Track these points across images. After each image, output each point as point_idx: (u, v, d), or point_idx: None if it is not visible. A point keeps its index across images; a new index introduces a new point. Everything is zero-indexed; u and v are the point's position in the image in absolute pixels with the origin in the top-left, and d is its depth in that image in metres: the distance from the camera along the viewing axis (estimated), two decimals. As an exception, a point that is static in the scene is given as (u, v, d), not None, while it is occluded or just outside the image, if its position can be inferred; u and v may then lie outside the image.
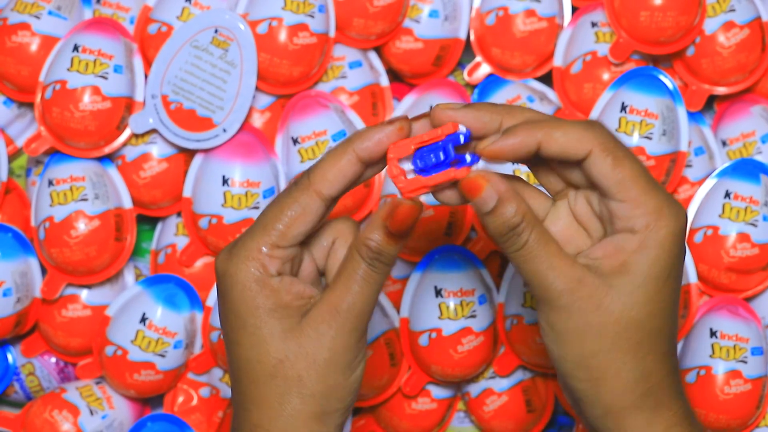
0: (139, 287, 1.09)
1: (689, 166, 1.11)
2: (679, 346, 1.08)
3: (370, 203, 1.11)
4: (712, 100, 1.16)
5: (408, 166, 0.76)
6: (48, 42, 1.10)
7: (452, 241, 1.09)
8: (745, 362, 1.05)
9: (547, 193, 0.80)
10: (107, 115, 1.08)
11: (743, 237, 1.06)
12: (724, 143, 1.14)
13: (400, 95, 1.17)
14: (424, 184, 0.76)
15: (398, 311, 1.09)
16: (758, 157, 1.12)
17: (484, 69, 1.15)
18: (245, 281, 0.76)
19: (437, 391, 1.12)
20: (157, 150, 1.10)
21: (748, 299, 1.10)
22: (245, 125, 1.09)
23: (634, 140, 1.06)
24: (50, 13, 1.10)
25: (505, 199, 0.74)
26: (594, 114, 1.09)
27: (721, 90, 1.12)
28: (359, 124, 1.11)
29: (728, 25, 1.10)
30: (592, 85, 1.11)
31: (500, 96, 1.14)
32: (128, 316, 1.08)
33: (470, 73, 1.15)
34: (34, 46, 1.10)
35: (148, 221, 1.17)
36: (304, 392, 0.76)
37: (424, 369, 1.09)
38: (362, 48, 1.14)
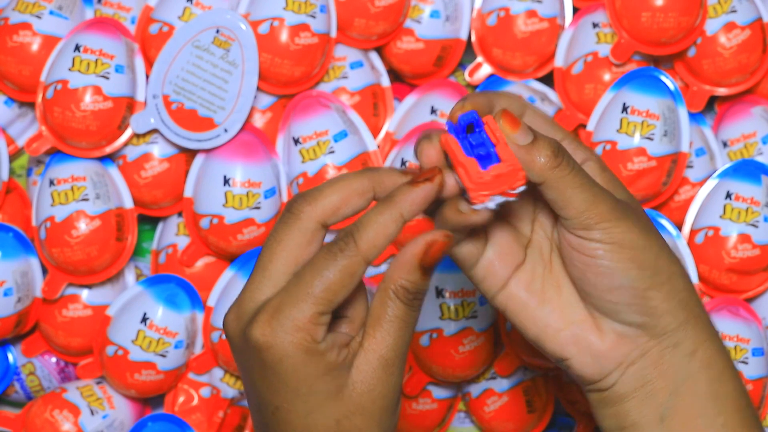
0: (139, 287, 1.09)
1: (690, 166, 1.11)
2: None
3: (371, 203, 1.11)
4: (713, 100, 1.16)
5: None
6: (49, 42, 1.09)
7: (453, 241, 1.09)
8: (746, 363, 1.05)
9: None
10: (108, 115, 1.08)
11: (744, 238, 1.07)
12: (725, 144, 1.14)
13: (401, 95, 1.17)
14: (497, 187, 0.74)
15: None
16: (759, 158, 1.12)
17: (485, 69, 1.15)
18: (295, 354, 0.72)
19: (438, 392, 1.12)
20: (158, 150, 1.10)
21: (749, 300, 1.10)
22: (246, 125, 1.09)
23: (635, 141, 1.06)
24: (51, 12, 1.10)
25: (539, 136, 0.75)
26: (595, 115, 1.09)
27: (722, 91, 1.12)
28: (360, 124, 1.10)
29: (729, 26, 1.10)
30: (593, 86, 1.11)
31: (501, 96, 1.14)
32: (129, 316, 1.08)
33: (471, 74, 1.15)
34: (35, 46, 1.10)
35: (149, 221, 1.17)
36: None
37: (425, 369, 1.09)
38: (363, 48, 1.14)
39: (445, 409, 1.12)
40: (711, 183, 1.09)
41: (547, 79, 1.15)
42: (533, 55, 1.13)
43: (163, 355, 1.08)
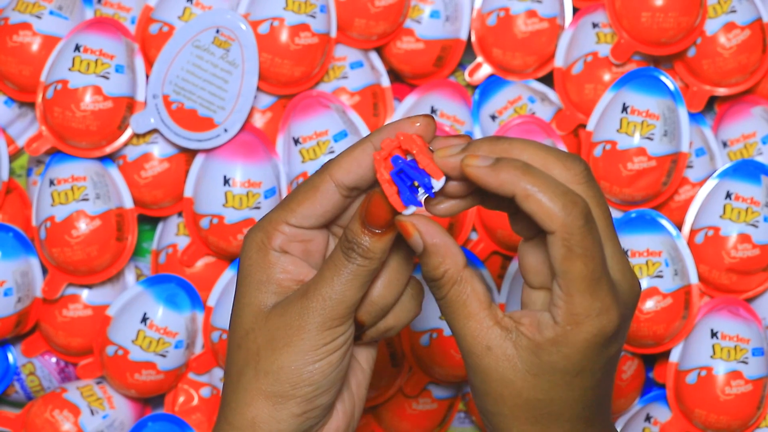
0: (140, 287, 1.09)
1: (690, 167, 1.11)
2: (680, 346, 1.08)
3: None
4: (712, 101, 1.16)
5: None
6: (49, 42, 1.10)
7: (453, 241, 1.09)
8: (746, 363, 1.05)
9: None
10: (108, 115, 1.08)
11: (744, 238, 1.07)
12: (724, 144, 1.14)
13: (401, 96, 1.17)
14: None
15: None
16: (759, 158, 1.12)
17: (485, 69, 1.15)
18: (249, 249, 0.78)
19: (438, 392, 1.12)
20: (158, 150, 1.10)
21: (749, 300, 1.10)
22: (246, 125, 1.09)
23: (635, 141, 1.06)
24: (51, 12, 1.10)
25: (431, 252, 0.74)
26: (595, 115, 1.09)
27: (721, 91, 1.12)
28: (360, 124, 1.11)
29: (729, 26, 1.10)
30: (593, 86, 1.11)
31: (501, 97, 1.14)
32: (129, 316, 1.08)
33: (471, 74, 1.15)
34: (35, 46, 1.10)
35: (149, 221, 1.17)
36: (259, 368, 0.76)
37: (425, 369, 1.09)
38: (363, 48, 1.14)
39: (445, 409, 1.12)
40: (711, 183, 1.09)
41: (547, 79, 1.15)
42: (533, 55, 1.13)
43: (163, 355, 1.08)
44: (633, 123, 1.07)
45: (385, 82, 1.15)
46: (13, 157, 1.16)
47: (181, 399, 1.12)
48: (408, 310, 0.79)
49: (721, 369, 1.05)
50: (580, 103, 1.12)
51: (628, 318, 0.75)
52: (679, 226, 1.09)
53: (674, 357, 1.08)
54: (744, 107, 1.14)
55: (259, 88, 1.10)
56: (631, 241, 1.07)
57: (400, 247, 0.77)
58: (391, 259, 0.77)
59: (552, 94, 1.15)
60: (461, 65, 1.19)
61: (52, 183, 1.08)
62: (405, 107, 1.14)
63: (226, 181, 1.07)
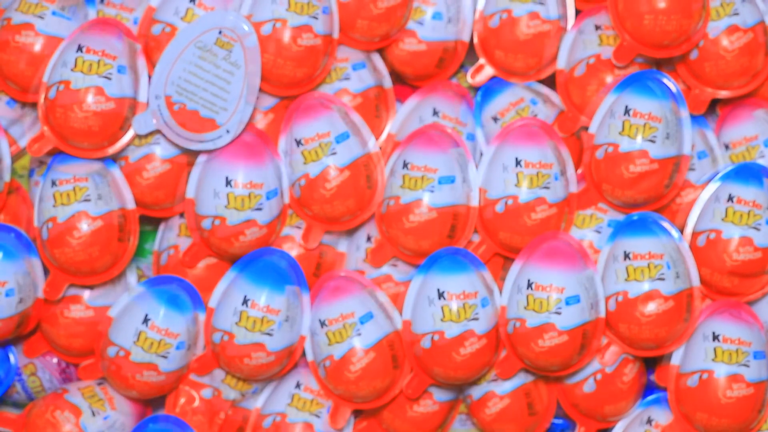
0: (141, 288, 1.09)
1: (692, 169, 1.11)
2: (681, 349, 1.08)
3: (373, 205, 1.11)
4: (715, 103, 1.16)
5: None
6: (52, 42, 1.09)
7: (454, 243, 1.09)
8: (747, 366, 1.05)
9: None
10: (111, 116, 1.08)
11: (746, 241, 1.07)
12: (726, 147, 1.14)
13: (403, 97, 1.17)
14: None
15: (401, 314, 1.09)
16: (761, 161, 1.12)
17: (488, 71, 1.15)
18: None
19: (439, 394, 1.12)
20: (160, 151, 1.10)
21: (751, 303, 1.10)
22: (248, 126, 1.09)
23: (637, 143, 1.06)
24: (54, 13, 1.10)
25: None
26: (597, 117, 1.09)
27: (724, 93, 1.12)
28: (362, 125, 1.11)
29: (732, 29, 1.10)
30: (595, 88, 1.11)
31: (503, 98, 1.14)
32: (130, 317, 1.08)
33: (473, 76, 1.15)
34: (37, 47, 1.10)
35: (150, 222, 1.17)
36: None
37: (427, 372, 1.09)
38: (366, 50, 1.14)
39: (446, 411, 1.12)
40: (713, 186, 1.09)
41: (550, 81, 1.15)
42: (535, 57, 1.13)
43: (164, 356, 1.08)
44: (635, 125, 1.07)
45: (387, 83, 1.15)
46: (15, 158, 1.16)
47: (183, 400, 1.12)
48: None
49: (722, 372, 1.05)
50: (582, 106, 1.12)
51: None
52: (680, 229, 1.09)
53: (675, 360, 1.08)
54: (746, 110, 1.14)
55: (261, 90, 1.10)
56: (632, 243, 1.07)
57: None
58: None
59: (554, 96, 1.15)
60: (463, 67, 1.19)
61: (54, 184, 1.08)
62: (407, 109, 1.14)
63: (228, 183, 1.07)
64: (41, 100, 1.09)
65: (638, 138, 1.06)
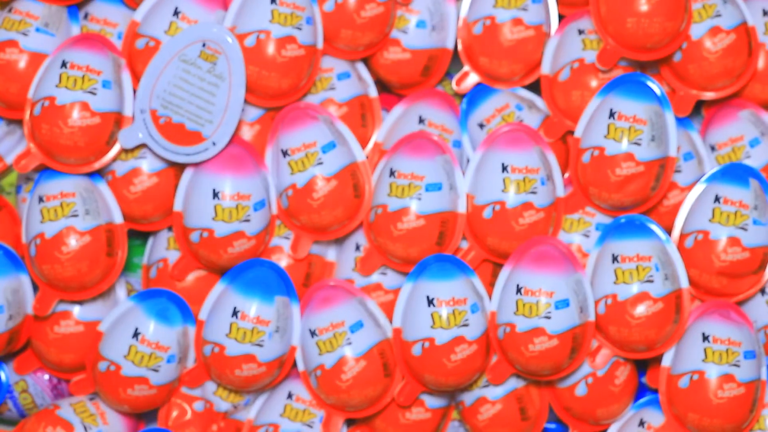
0: (131, 302, 1.09)
1: (678, 171, 1.12)
2: (672, 351, 1.08)
3: (361, 214, 1.11)
4: (700, 105, 1.16)
5: None
6: (36, 59, 1.10)
7: (443, 250, 1.09)
8: (737, 366, 1.06)
9: None
10: (96, 131, 1.08)
11: (734, 241, 1.07)
12: (712, 148, 1.14)
13: (389, 106, 1.17)
14: None
15: (391, 321, 1.09)
16: (747, 162, 1.12)
17: (473, 78, 1.15)
18: None
19: (431, 401, 1.12)
20: (147, 164, 1.10)
21: (740, 303, 1.10)
22: (235, 138, 1.09)
23: (623, 146, 1.07)
24: (38, 29, 1.10)
25: None
26: (583, 121, 1.09)
27: (708, 95, 1.13)
28: (349, 135, 1.11)
29: (714, 31, 1.11)
30: (580, 93, 1.11)
31: (489, 105, 1.14)
32: (121, 331, 1.08)
33: (458, 83, 1.15)
34: (22, 63, 1.10)
35: (139, 236, 1.17)
36: None
37: (418, 379, 1.09)
38: (350, 59, 1.14)
39: (438, 418, 1.12)
40: (699, 187, 1.09)
41: (535, 87, 1.16)
42: (520, 62, 1.14)
43: (155, 370, 1.08)
44: (620, 128, 1.07)
45: (373, 92, 1.15)
46: (2, 175, 1.16)
47: (175, 413, 1.12)
48: None
49: (713, 372, 1.05)
50: (568, 110, 1.12)
51: None
52: (668, 231, 1.09)
53: (666, 361, 1.08)
54: (731, 111, 1.14)
55: (246, 101, 1.10)
56: (620, 246, 1.07)
57: None
58: None
59: (539, 102, 1.15)
60: (448, 74, 1.19)
61: (41, 200, 1.08)
62: (393, 117, 1.15)
63: (215, 195, 1.07)
64: (27, 116, 1.09)
65: (624, 141, 1.07)
